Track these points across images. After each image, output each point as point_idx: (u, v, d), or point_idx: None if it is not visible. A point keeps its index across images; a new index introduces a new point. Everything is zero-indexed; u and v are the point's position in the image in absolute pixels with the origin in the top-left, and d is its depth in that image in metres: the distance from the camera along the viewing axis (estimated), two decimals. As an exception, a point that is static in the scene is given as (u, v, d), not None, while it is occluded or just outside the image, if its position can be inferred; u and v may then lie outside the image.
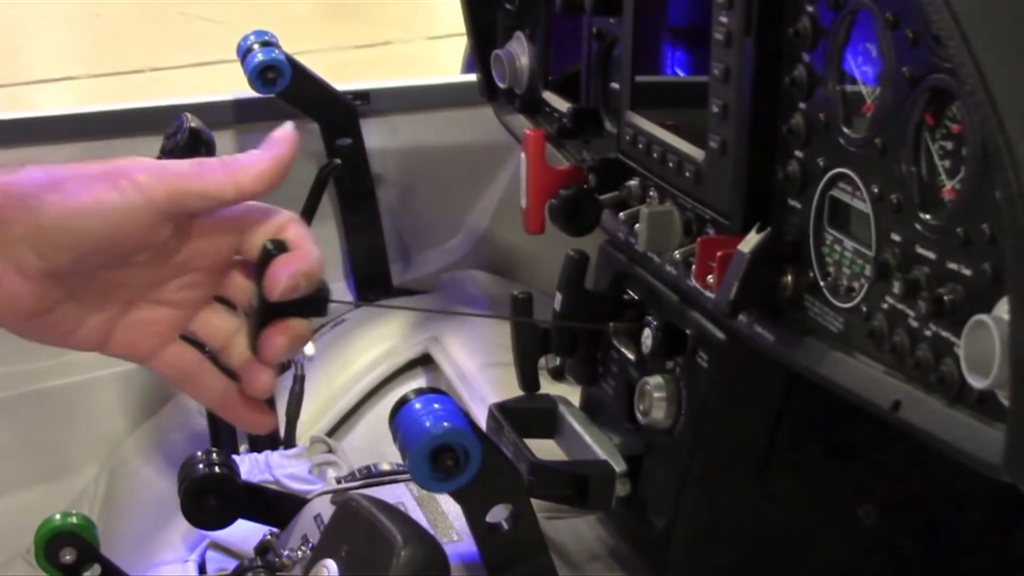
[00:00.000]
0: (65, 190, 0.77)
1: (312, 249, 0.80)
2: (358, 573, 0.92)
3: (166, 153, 1.55)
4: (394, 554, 0.89)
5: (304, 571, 0.97)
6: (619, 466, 1.08)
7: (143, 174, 0.78)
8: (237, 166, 0.80)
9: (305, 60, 1.78)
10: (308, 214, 1.75)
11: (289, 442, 1.55)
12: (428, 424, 0.90)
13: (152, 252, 0.80)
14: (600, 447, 1.10)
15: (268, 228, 0.81)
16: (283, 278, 0.78)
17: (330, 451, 1.52)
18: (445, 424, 0.91)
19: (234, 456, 1.43)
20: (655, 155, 1.06)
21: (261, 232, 0.80)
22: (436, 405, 0.92)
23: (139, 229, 0.78)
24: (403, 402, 0.93)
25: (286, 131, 0.83)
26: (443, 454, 0.90)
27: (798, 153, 0.90)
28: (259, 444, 1.53)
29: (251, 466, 1.42)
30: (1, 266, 0.77)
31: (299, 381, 1.57)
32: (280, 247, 0.79)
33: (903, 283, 0.80)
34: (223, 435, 1.54)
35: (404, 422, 0.92)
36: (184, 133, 1.53)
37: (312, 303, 0.80)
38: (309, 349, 1.57)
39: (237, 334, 0.83)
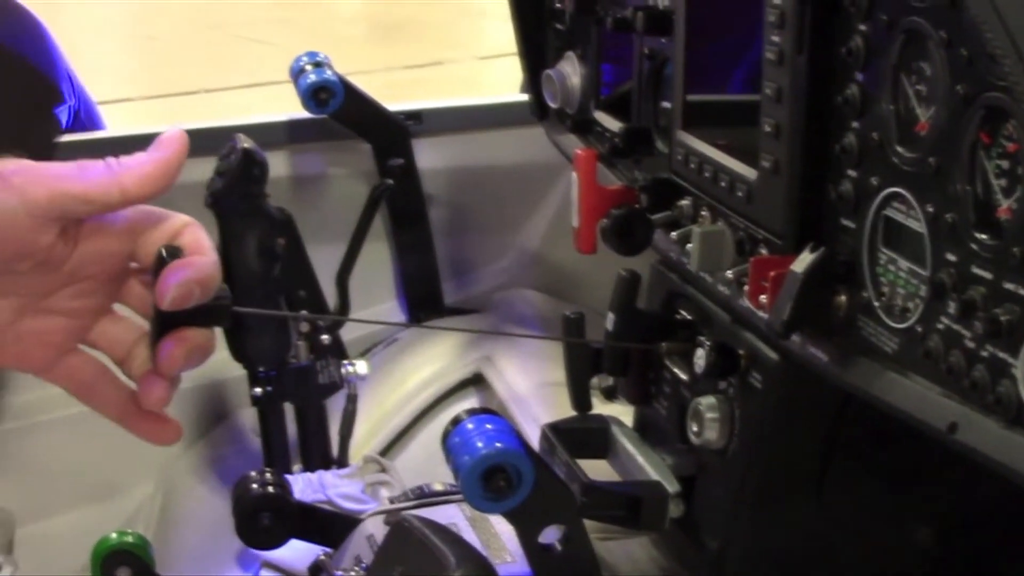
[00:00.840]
0: None
1: (208, 254, 0.77)
2: None
3: (220, 174, 1.57)
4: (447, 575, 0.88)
5: None
6: (672, 487, 1.07)
7: (19, 176, 0.75)
8: (121, 168, 0.77)
9: (357, 80, 1.79)
10: (360, 234, 1.76)
11: (342, 462, 1.56)
12: (480, 444, 0.90)
13: (37, 259, 0.76)
14: (653, 468, 1.10)
15: (163, 233, 0.77)
16: (173, 286, 0.74)
17: (383, 471, 1.52)
18: (498, 444, 0.91)
19: (287, 476, 1.44)
20: (707, 174, 1.06)
21: (156, 237, 0.77)
22: (488, 425, 0.92)
23: (18, 233, 0.75)
24: (456, 422, 0.93)
25: (173, 133, 0.79)
26: (495, 475, 0.90)
27: (851, 172, 0.90)
28: (312, 464, 1.53)
29: (304, 485, 1.43)
30: None
31: (352, 401, 1.58)
32: (175, 253, 0.75)
33: (959, 303, 0.79)
34: (277, 454, 1.55)
35: (456, 442, 0.92)
36: (237, 154, 1.54)
37: (212, 312, 0.76)
38: (362, 368, 1.58)
39: (139, 344, 0.79)
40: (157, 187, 0.77)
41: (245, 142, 1.55)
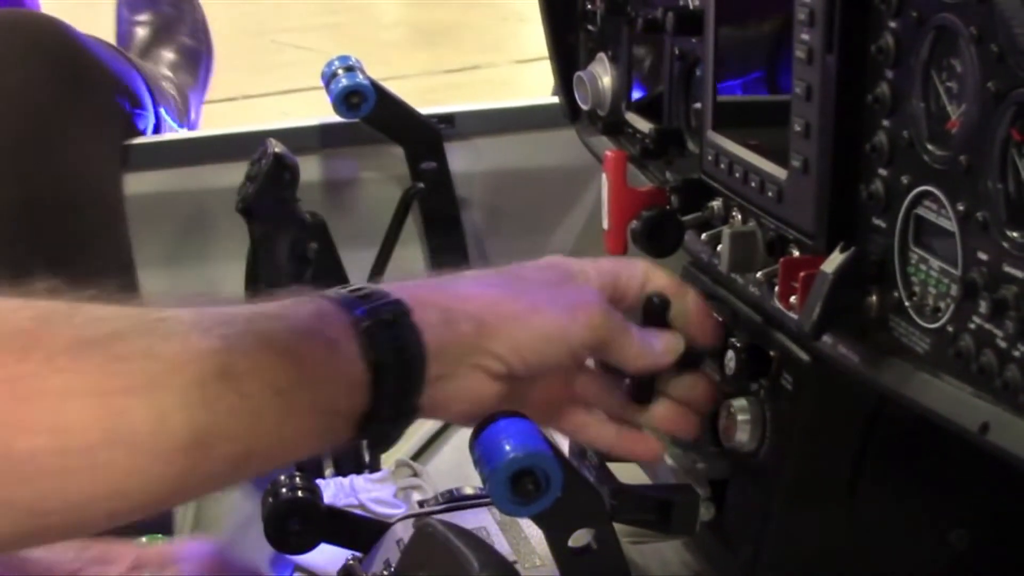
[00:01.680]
0: (542, 314, 0.96)
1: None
2: None
3: (251, 179, 1.56)
4: None
5: None
6: (703, 490, 1.06)
7: (598, 316, 0.97)
8: (649, 347, 1.01)
9: (395, 85, 1.79)
10: (392, 237, 1.76)
11: (374, 466, 1.56)
12: (508, 447, 0.89)
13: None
14: (684, 471, 1.09)
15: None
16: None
17: (415, 475, 1.52)
18: (526, 447, 0.90)
19: (319, 480, 1.43)
20: (737, 175, 1.05)
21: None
22: (517, 428, 0.92)
23: (578, 353, 0.98)
24: (484, 425, 0.92)
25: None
26: (523, 478, 0.89)
27: (882, 171, 0.89)
28: (344, 468, 1.53)
29: (336, 490, 1.43)
30: (477, 370, 0.93)
31: (386, 406, 1.58)
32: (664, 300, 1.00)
33: (990, 302, 0.78)
34: (308, 459, 1.55)
35: (484, 445, 0.91)
36: (268, 159, 1.54)
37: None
38: None
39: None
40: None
41: (275, 146, 1.55)
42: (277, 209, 1.54)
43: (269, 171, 1.52)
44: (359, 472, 1.50)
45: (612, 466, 1.10)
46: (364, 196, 1.83)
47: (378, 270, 1.76)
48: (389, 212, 1.77)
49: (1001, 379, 0.77)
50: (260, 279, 1.54)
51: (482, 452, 0.91)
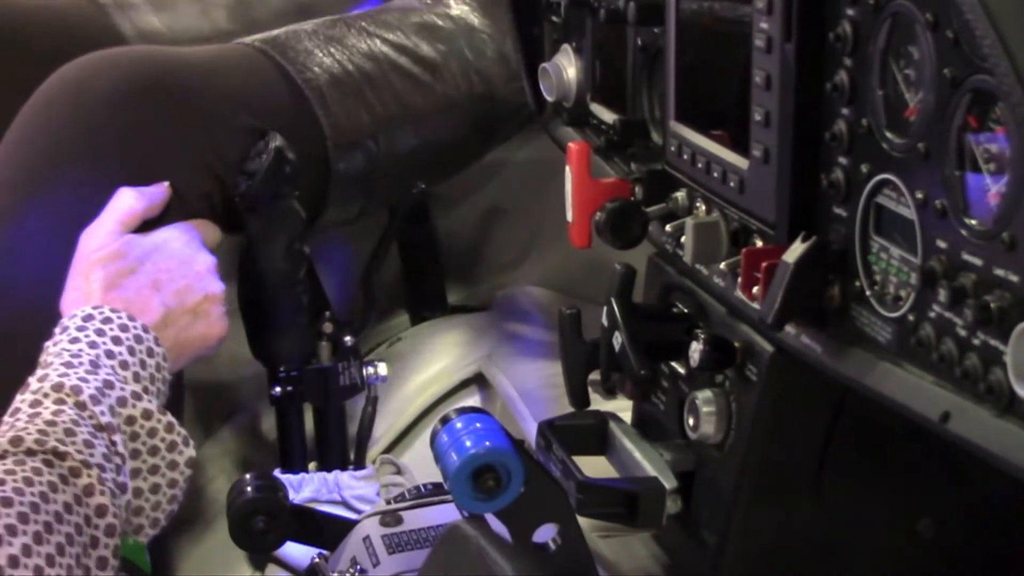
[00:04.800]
0: None
1: None
2: None
3: (249, 174, 1.53)
4: None
5: None
6: (669, 483, 1.06)
7: None
8: None
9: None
10: (387, 237, 1.76)
11: (359, 463, 1.55)
12: (469, 444, 0.89)
13: None
14: (651, 464, 1.08)
15: None
16: None
17: (398, 472, 1.51)
18: (486, 444, 0.89)
19: (303, 474, 1.43)
20: (700, 165, 1.04)
21: None
22: (478, 424, 0.91)
23: None
24: (444, 422, 0.92)
25: None
26: (484, 474, 0.89)
27: (842, 160, 0.88)
28: (330, 464, 1.52)
29: (320, 485, 1.42)
30: None
31: (372, 403, 1.57)
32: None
33: (949, 291, 0.77)
34: (293, 453, 1.54)
35: (445, 443, 0.91)
36: (269, 153, 1.51)
37: None
38: (383, 370, 1.57)
39: None
40: None
41: (276, 140, 1.52)
42: (276, 204, 1.52)
43: (271, 165, 1.50)
44: (343, 468, 1.49)
45: (581, 460, 1.09)
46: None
47: (374, 267, 1.77)
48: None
49: (961, 368, 0.77)
50: (256, 275, 1.53)
51: (443, 450, 0.91)
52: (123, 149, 1.36)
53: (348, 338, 1.55)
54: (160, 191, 1.33)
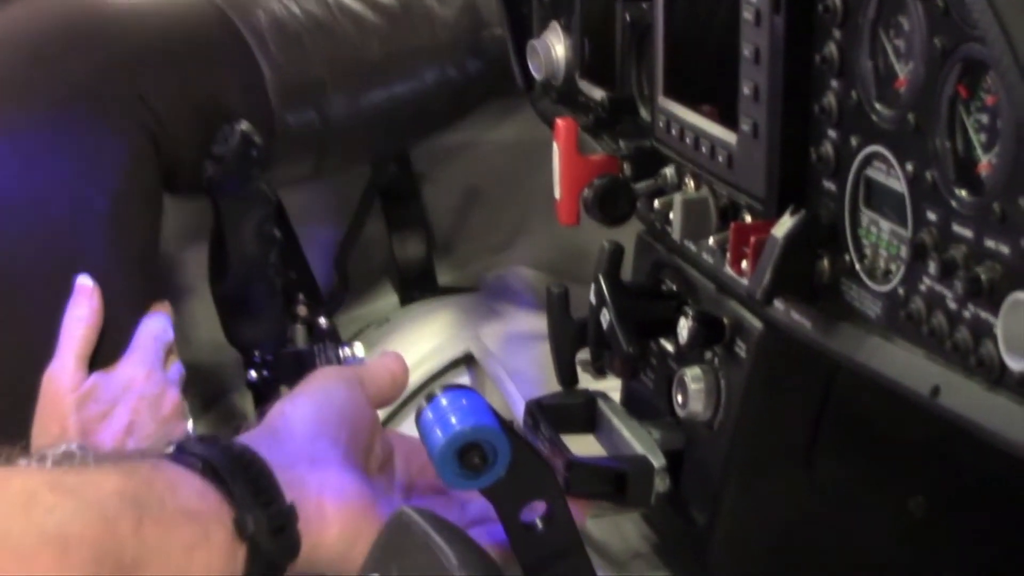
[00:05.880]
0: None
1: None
2: None
3: (217, 159, 1.52)
4: None
5: None
6: (658, 461, 1.05)
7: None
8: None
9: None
10: (361, 216, 1.74)
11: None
12: (454, 420, 0.88)
13: None
14: (639, 442, 1.07)
15: None
16: None
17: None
18: (472, 421, 0.88)
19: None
20: (688, 141, 1.03)
21: None
22: (463, 401, 0.90)
23: None
24: (429, 399, 0.90)
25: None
26: (470, 451, 0.88)
27: (831, 133, 0.87)
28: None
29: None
30: None
31: (350, 385, 1.56)
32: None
33: (939, 263, 0.77)
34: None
35: (430, 420, 0.89)
36: (235, 137, 1.50)
37: None
38: (359, 351, 1.55)
39: None
40: None
41: (242, 124, 1.51)
42: (245, 188, 1.51)
43: (237, 149, 1.49)
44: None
45: (569, 438, 1.08)
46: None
47: (347, 248, 1.75)
48: (346, 186, 1.74)
49: (951, 341, 0.76)
50: (226, 260, 1.51)
51: (428, 427, 0.90)
52: (50, 84, 1.34)
53: (323, 320, 1.54)
54: (96, 307, 1.31)
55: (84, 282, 1.31)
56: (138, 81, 1.39)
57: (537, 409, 1.11)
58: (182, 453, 0.88)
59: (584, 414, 1.14)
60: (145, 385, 1.30)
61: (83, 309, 1.30)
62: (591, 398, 1.15)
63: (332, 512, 0.91)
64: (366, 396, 1.03)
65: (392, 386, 1.07)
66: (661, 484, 1.05)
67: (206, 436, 0.92)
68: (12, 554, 0.75)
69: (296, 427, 0.96)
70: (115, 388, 1.28)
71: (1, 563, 0.75)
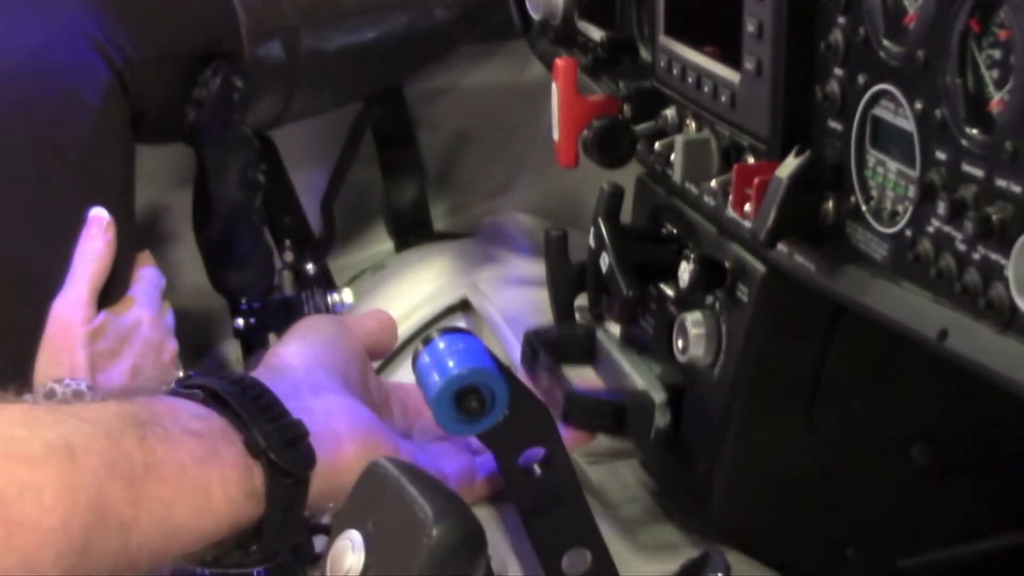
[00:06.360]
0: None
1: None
2: (385, 549, 0.80)
3: (198, 102, 1.50)
4: (424, 532, 0.77)
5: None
6: (659, 396, 1.03)
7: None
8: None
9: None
10: (346, 159, 1.71)
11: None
12: (451, 364, 0.86)
13: None
14: (640, 375, 1.06)
15: None
16: None
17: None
18: (470, 364, 0.87)
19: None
20: (690, 80, 1.01)
21: None
22: (460, 345, 0.88)
23: None
24: (426, 342, 0.89)
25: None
26: (468, 396, 0.86)
27: (837, 71, 0.85)
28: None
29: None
30: None
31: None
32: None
33: (949, 204, 0.75)
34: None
35: (427, 364, 0.88)
36: (216, 80, 1.48)
37: None
38: (348, 297, 1.54)
39: None
40: None
41: (223, 67, 1.49)
42: (227, 133, 1.49)
43: (219, 92, 1.46)
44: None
45: (567, 370, 1.07)
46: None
47: (332, 192, 1.72)
48: (341, 130, 1.72)
49: (960, 283, 0.74)
50: (210, 207, 1.49)
51: (425, 371, 0.88)
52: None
53: (310, 266, 1.53)
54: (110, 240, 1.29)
55: (99, 213, 1.29)
56: (105, 24, 1.37)
57: (536, 339, 1.10)
58: (180, 388, 0.88)
59: (583, 346, 1.13)
60: (150, 329, 1.29)
61: (97, 242, 1.28)
62: (591, 330, 1.13)
63: (345, 432, 0.91)
64: (355, 338, 1.02)
65: (380, 329, 1.07)
66: (661, 419, 1.03)
67: (202, 374, 0.91)
68: (20, 460, 0.73)
69: (295, 362, 0.96)
70: (124, 328, 1.27)
71: (10, 469, 0.73)
